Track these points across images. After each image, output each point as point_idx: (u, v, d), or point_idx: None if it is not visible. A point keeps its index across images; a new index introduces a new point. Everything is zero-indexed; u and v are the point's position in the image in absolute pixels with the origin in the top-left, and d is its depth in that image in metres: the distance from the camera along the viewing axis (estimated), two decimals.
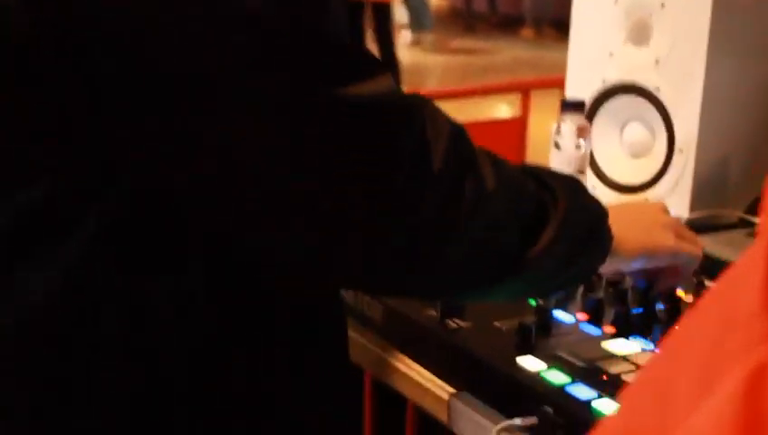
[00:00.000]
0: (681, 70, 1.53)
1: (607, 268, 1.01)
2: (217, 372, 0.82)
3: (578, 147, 1.50)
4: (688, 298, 1.16)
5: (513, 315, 1.12)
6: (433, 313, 1.11)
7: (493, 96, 4.87)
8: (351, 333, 1.14)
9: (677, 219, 1.10)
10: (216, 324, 0.81)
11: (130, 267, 0.77)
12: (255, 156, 0.74)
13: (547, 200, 0.91)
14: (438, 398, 1.06)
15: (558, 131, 1.50)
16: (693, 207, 1.55)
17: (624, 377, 0.98)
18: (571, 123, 1.50)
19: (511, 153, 3.41)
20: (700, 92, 1.51)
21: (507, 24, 11.24)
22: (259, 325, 0.84)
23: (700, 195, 1.55)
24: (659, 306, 1.14)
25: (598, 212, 0.98)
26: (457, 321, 1.10)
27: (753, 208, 1.59)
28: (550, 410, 0.93)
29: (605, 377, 0.98)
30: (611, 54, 1.60)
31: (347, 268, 0.84)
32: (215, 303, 0.80)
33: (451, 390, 1.05)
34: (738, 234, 1.53)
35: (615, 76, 1.60)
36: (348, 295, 1.19)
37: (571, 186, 0.96)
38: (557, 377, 0.97)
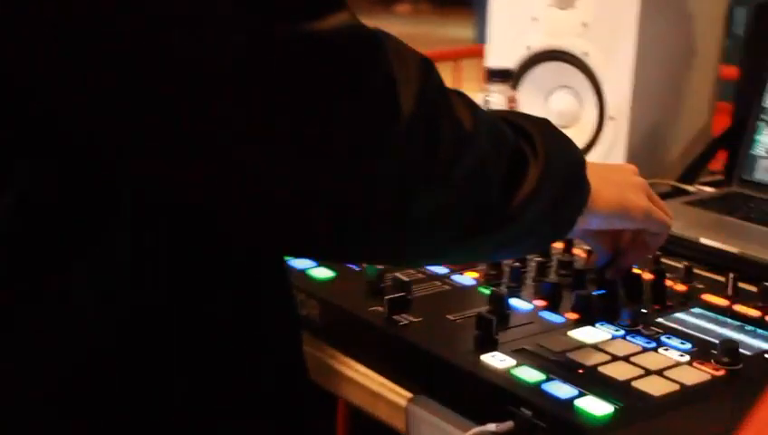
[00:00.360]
0: (610, 33, 1.45)
1: (580, 225, 0.92)
2: (151, 349, 0.74)
3: None
4: (648, 277, 1.08)
5: (465, 307, 1.02)
6: (378, 308, 1.00)
7: None
8: None
9: (647, 184, 1.02)
10: (150, 299, 0.73)
11: (53, 242, 0.68)
12: (207, 95, 0.63)
13: (525, 147, 0.82)
14: (394, 404, 0.95)
15: (486, 103, 1.40)
16: None
17: (602, 369, 0.88)
18: (499, 94, 1.40)
19: None
20: (632, 56, 1.43)
21: (381, 1, 11.14)
22: (197, 303, 0.76)
23: (635, 163, 1.47)
24: (619, 288, 1.05)
25: (577, 159, 0.90)
26: (406, 316, 0.99)
27: (688, 177, 1.52)
28: (528, 412, 0.83)
29: (581, 371, 0.88)
30: (535, 19, 1.51)
31: (306, 227, 0.72)
32: (144, 277, 0.72)
33: (408, 394, 0.94)
34: (674, 203, 1.45)
35: (540, 42, 1.51)
36: None
37: (549, 130, 0.87)
38: (529, 374, 0.87)
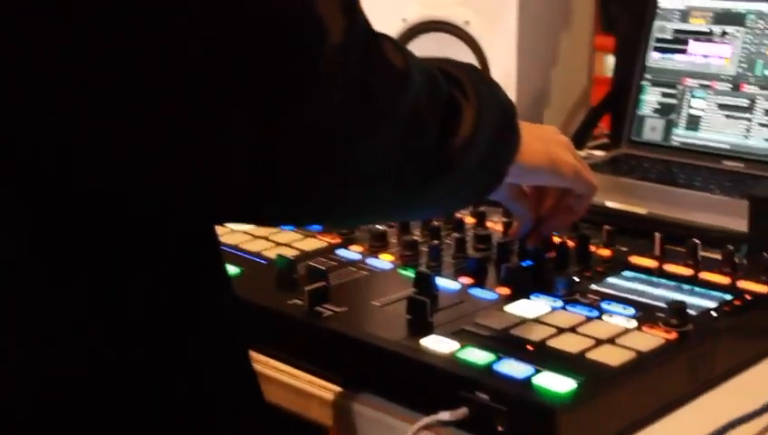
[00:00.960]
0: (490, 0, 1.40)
1: (510, 178, 0.87)
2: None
3: None
4: (571, 244, 1.03)
5: (389, 291, 0.94)
6: (297, 301, 0.92)
7: None
8: None
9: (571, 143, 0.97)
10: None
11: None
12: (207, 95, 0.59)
13: (456, 92, 0.76)
14: (328, 402, 0.87)
15: None
16: None
17: (552, 343, 0.83)
18: None
19: None
20: (515, 23, 1.39)
21: None
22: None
23: None
24: (546, 257, 1.00)
25: (507, 105, 0.84)
26: (328, 307, 0.91)
27: (577, 142, 1.49)
28: (484, 396, 0.77)
29: (531, 347, 0.82)
30: None
31: (226, 187, 0.64)
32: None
33: (342, 390, 0.86)
34: None
35: (417, 13, 1.45)
36: None
37: (477, 76, 0.81)
38: (477, 355, 0.81)
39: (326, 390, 0.87)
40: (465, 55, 1.42)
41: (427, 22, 1.44)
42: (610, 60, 2.32)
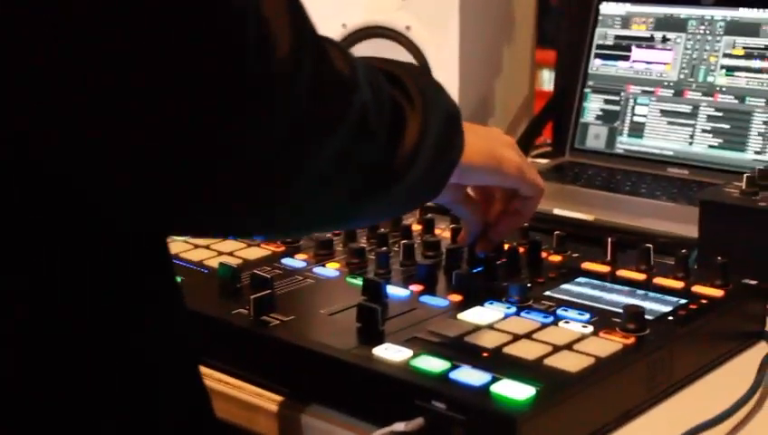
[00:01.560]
0: (431, 5, 1.38)
1: (454, 179, 0.85)
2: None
3: None
4: (522, 251, 1.01)
5: (336, 300, 0.91)
6: (241, 310, 0.88)
7: None
8: None
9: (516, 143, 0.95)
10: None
11: None
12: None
13: (400, 97, 0.74)
14: (275, 415, 0.83)
15: None
16: None
17: (508, 350, 0.80)
18: None
19: None
20: (456, 28, 1.37)
21: None
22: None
23: None
24: (496, 264, 0.98)
25: (451, 106, 0.82)
26: (275, 316, 0.87)
27: (525, 151, 1.47)
28: (440, 405, 0.74)
29: (486, 354, 0.80)
30: None
31: (169, 199, 0.61)
32: None
33: (289, 402, 0.83)
34: None
35: (356, 18, 1.42)
36: None
37: (420, 77, 0.79)
38: (432, 363, 0.78)
39: (273, 402, 0.84)
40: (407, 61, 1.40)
41: (368, 27, 1.41)
42: (546, 74, 2.33)
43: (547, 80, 2.58)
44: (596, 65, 1.46)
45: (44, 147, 0.58)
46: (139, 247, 0.68)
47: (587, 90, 1.45)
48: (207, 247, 1.05)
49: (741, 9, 1.35)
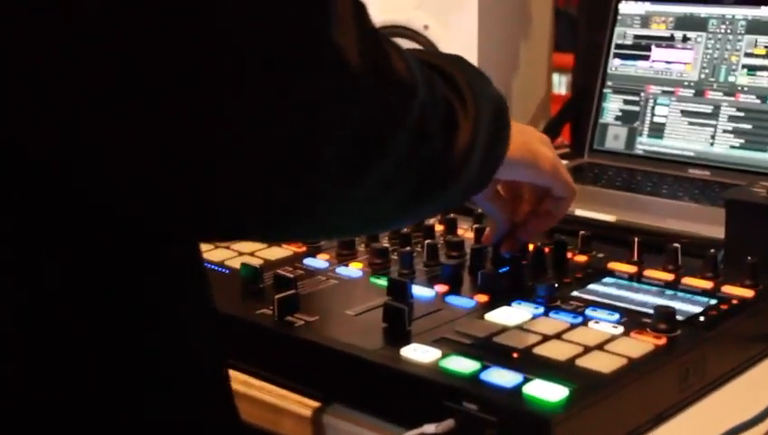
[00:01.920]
0: (449, 3, 1.36)
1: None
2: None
3: None
4: (547, 251, 0.99)
5: (361, 300, 0.90)
6: (265, 310, 0.87)
7: None
8: None
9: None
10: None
11: None
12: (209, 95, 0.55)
13: (451, 94, 0.72)
14: (302, 418, 0.82)
15: None
16: None
17: (538, 351, 0.79)
18: None
19: None
20: (474, 27, 1.35)
21: None
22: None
23: None
24: (523, 263, 0.96)
25: (497, 97, 0.80)
26: (299, 316, 0.86)
27: None
28: (472, 406, 0.72)
29: (516, 355, 0.78)
30: None
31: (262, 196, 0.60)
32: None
33: (316, 404, 0.82)
34: None
35: (374, 18, 1.40)
36: None
37: (467, 69, 0.77)
38: (462, 364, 0.76)
39: (300, 404, 0.82)
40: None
41: (386, 27, 1.40)
42: (556, 78, 2.31)
43: (557, 83, 2.57)
44: (615, 65, 1.44)
45: (44, 147, 0.57)
46: (150, 248, 0.67)
47: (606, 90, 1.44)
48: (228, 248, 1.04)
49: (763, 8, 1.34)
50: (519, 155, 0.86)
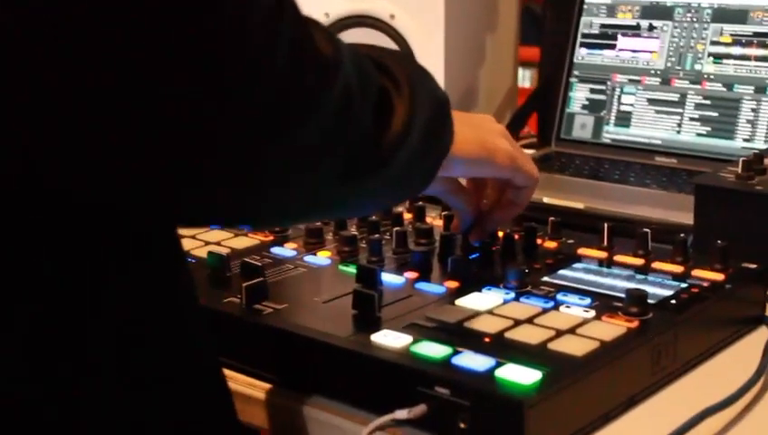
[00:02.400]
0: None
1: (444, 171, 0.83)
2: None
3: None
4: (517, 237, 0.99)
5: (330, 288, 0.89)
6: (233, 299, 0.86)
7: None
8: None
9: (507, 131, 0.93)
10: None
11: None
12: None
13: (387, 83, 0.72)
14: (271, 406, 0.81)
15: None
16: None
17: (509, 335, 0.78)
18: None
19: None
20: (442, 16, 1.34)
21: None
22: None
23: None
24: (492, 249, 0.95)
25: (441, 95, 0.79)
26: (268, 304, 0.85)
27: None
28: (444, 391, 0.71)
29: (488, 339, 0.77)
30: None
31: (155, 188, 0.59)
32: None
33: (286, 392, 0.80)
34: None
35: (339, 7, 1.40)
36: None
37: (410, 65, 0.77)
38: (433, 349, 0.75)
39: (267, 392, 0.81)
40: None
41: (352, 16, 1.39)
42: (520, 72, 2.32)
43: (521, 77, 2.58)
44: (581, 55, 1.44)
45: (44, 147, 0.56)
46: (138, 246, 0.66)
47: (572, 79, 1.44)
48: (194, 238, 1.02)
49: None
50: (475, 152, 0.85)
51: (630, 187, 1.27)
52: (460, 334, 0.78)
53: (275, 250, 0.99)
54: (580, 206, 1.18)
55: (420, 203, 1.08)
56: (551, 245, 0.99)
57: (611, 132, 1.40)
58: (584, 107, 1.43)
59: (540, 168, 1.34)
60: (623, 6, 1.42)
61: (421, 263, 0.93)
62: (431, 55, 1.35)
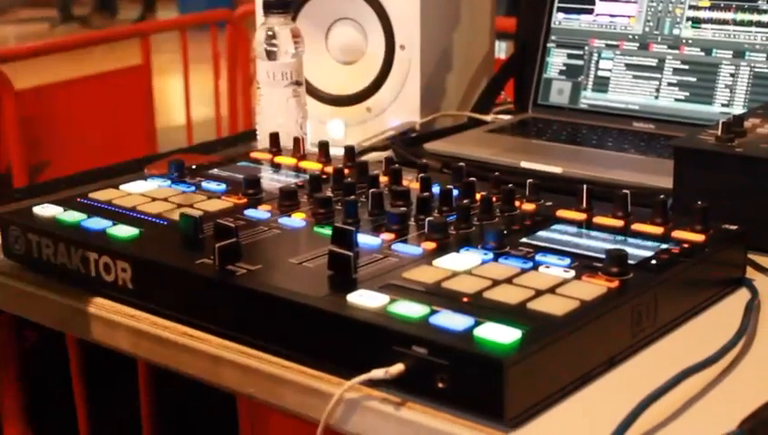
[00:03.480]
0: None
1: None
2: None
3: (294, 55, 1.26)
4: (495, 199, 0.97)
5: (305, 249, 0.87)
6: (206, 260, 0.84)
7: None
8: (93, 309, 0.86)
9: None
10: None
11: None
12: None
13: None
14: (245, 369, 0.79)
15: (269, 39, 1.25)
16: (422, 111, 1.37)
17: (489, 295, 0.76)
18: (282, 28, 1.26)
19: (138, 101, 3.11)
20: None
21: None
22: None
23: (427, 96, 1.37)
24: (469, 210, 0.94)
25: None
26: (241, 265, 0.83)
27: (482, 107, 1.44)
28: (421, 350, 0.70)
29: (467, 299, 0.76)
30: None
31: None
32: None
33: (260, 354, 0.79)
34: (478, 132, 1.36)
35: None
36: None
37: None
38: (411, 309, 0.74)
39: (240, 353, 0.79)
40: (365, 14, 1.35)
41: None
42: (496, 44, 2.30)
43: (497, 49, 2.55)
44: (558, 19, 1.42)
45: None
46: None
47: (550, 44, 1.42)
48: (165, 200, 1.00)
49: None
50: None
51: (609, 151, 1.25)
52: (438, 295, 0.77)
53: (249, 212, 0.97)
54: (558, 170, 1.16)
55: (396, 166, 1.06)
56: (529, 207, 0.98)
57: (589, 98, 1.38)
58: (561, 72, 1.41)
59: (517, 133, 1.34)
60: None
61: (397, 224, 0.91)
62: (407, 20, 1.33)
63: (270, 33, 1.26)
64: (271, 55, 1.26)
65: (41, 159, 2.66)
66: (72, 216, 0.95)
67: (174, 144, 3.28)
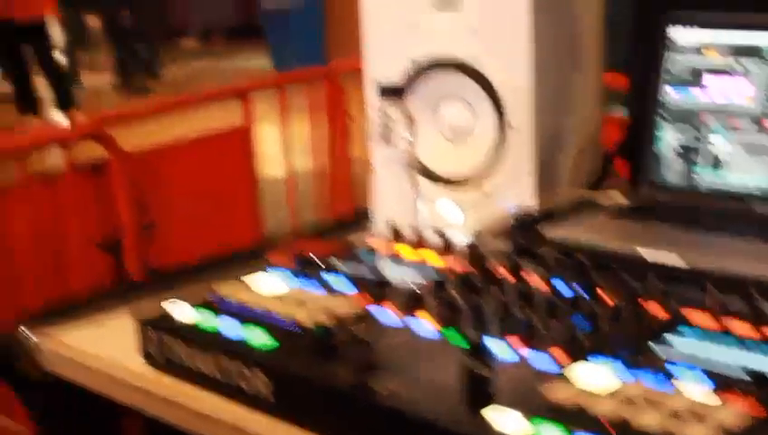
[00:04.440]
0: (500, 34, 1.34)
1: None
2: None
3: (409, 140, 1.27)
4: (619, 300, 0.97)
5: (441, 358, 0.88)
6: (342, 372, 0.85)
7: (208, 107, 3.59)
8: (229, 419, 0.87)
9: None
10: None
11: None
12: None
13: None
14: None
15: (384, 123, 1.27)
16: (537, 192, 1.36)
17: (631, 419, 0.76)
18: (397, 113, 1.27)
19: (239, 163, 3.13)
20: (527, 57, 1.33)
21: (167, 36, 10.44)
22: None
23: (541, 176, 1.37)
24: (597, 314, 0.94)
25: None
26: (378, 379, 0.84)
27: (596, 185, 1.43)
28: None
29: (607, 423, 0.76)
30: (415, 25, 1.38)
31: None
32: None
33: None
34: (597, 217, 1.35)
35: (423, 50, 1.38)
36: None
37: None
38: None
39: None
40: (475, 93, 1.36)
41: (437, 60, 1.37)
42: None
43: None
44: (670, 95, 1.41)
45: None
46: None
47: (661, 121, 1.41)
48: (297, 300, 1.02)
49: None
50: None
51: (729, 239, 1.24)
52: (582, 419, 0.77)
53: (377, 312, 0.98)
54: (682, 263, 1.14)
55: (516, 258, 1.06)
56: (653, 306, 0.97)
57: (706, 178, 1.36)
58: (675, 151, 1.39)
59: (635, 217, 1.32)
60: (711, 46, 1.38)
61: (526, 329, 0.91)
62: (518, 100, 1.33)
63: (385, 117, 1.27)
64: (386, 139, 1.27)
65: (146, 221, 2.71)
66: (208, 319, 0.97)
67: (273, 196, 3.29)
